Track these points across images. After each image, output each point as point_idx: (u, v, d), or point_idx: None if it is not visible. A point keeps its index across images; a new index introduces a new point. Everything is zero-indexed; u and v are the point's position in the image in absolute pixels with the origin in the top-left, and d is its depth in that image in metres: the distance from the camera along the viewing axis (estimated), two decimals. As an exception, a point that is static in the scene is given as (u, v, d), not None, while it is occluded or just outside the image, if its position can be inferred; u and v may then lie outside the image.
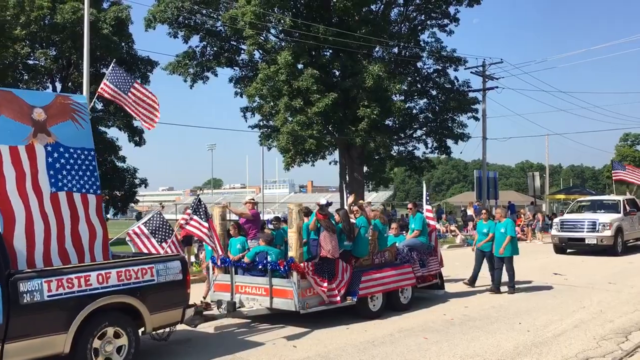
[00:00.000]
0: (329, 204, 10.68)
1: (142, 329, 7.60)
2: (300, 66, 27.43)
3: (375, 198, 52.86)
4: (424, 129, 32.18)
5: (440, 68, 31.83)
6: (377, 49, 29.62)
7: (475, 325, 9.78)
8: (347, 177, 30.73)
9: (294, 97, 26.53)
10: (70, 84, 29.36)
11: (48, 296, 6.51)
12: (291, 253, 9.56)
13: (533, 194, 37.63)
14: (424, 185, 14.63)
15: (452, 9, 31.18)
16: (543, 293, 13.02)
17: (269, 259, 9.75)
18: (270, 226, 11.10)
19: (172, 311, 7.88)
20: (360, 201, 20.45)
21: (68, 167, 7.54)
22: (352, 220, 10.61)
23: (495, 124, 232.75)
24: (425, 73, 31.99)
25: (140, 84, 13.86)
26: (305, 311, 9.50)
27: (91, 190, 7.77)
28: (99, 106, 27.80)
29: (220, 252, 9.85)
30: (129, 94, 13.61)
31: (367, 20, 28.04)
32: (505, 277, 13.20)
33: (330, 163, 33.04)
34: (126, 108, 13.54)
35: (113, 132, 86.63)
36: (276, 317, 10.10)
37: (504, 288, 13.14)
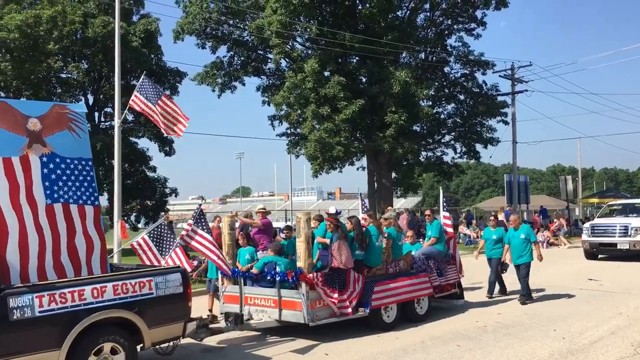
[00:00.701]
0: (338, 212, 10.37)
1: (142, 344, 7.28)
2: (327, 74, 27.26)
3: (403, 204, 52.53)
4: (453, 134, 31.81)
5: (467, 72, 31.43)
6: (403, 54, 29.44)
7: (508, 332, 9.61)
8: (375, 183, 30.62)
9: (321, 104, 26.45)
10: (101, 96, 29.90)
11: (39, 312, 6.27)
12: (300, 263, 9.21)
13: (566, 198, 36.92)
14: (441, 192, 14.25)
15: (479, 13, 30.78)
16: (577, 299, 12.63)
17: (277, 269, 9.42)
18: (282, 235, 10.82)
19: (173, 325, 7.57)
20: (389, 207, 20.33)
21: (64, 178, 7.31)
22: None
23: (525, 128, 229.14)
24: (453, 78, 31.63)
25: (167, 96, 14.13)
26: (315, 323, 9.15)
27: (89, 202, 7.52)
28: (130, 117, 28.24)
29: (226, 269, 9.47)
30: (157, 105, 13.91)
31: (393, 26, 27.81)
32: (506, 284, 13.12)
33: (358, 169, 32.92)
34: (154, 119, 13.82)
35: (144, 143, 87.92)
36: (286, 330, 9.75)
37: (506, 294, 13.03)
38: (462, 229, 30.24)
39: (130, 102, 13.80)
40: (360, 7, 28.28)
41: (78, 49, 27.81)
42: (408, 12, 29.66)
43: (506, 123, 32.65)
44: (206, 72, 29.64)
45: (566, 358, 7.98)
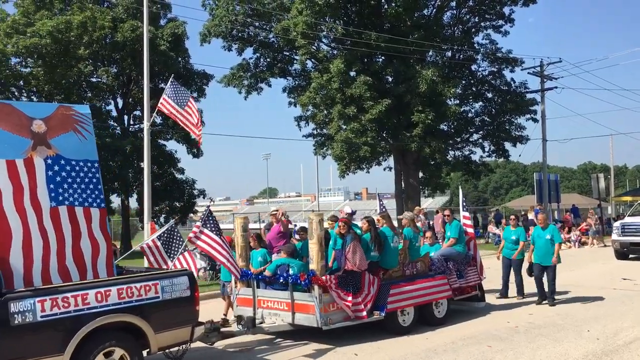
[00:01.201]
0: (353, 213, 10.07)
1: (148, 349, 7.10)
2: (352, 74, 27.08)
3: (431, 204, 52.16)
4: (481, 132, 31.40)
5: (495, 70, 30.98)
6: (430, 53, 29.18)
7: (540, 333, 9.43)
8: (402, 183, 30.48)
9: (347, 104, 26.34)
10: (130, 99, 30.36)
11: (42, 316, 6.13)
12: (312, 266, 8.94)
13: (598, 196, 36.22)
14: (460, 191, 13.73)
15: (506, 10, 30.30)
16: (611, 299, 12.29)
17: (290, 271, 9.16)
18: (297, 237, 10.58)
19: (180, 330, 7.35)
20: (417, 207, 20.22)
21: (69, 180, 7.18)
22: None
23: (555, 125, 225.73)
24: (480, 75, 31.19)
25: (192, 103, 14.26)
26: (328, 327, 8.87)
27: (94, 204, 7.38)
28: (158, 120, 28.61)
29: (235, 272, 9.17)
30: (185, 109, 14.09)
31: (419, 25, 27.53)
32: (519, 285, 12.68)
33: (385, 169, 32.74)
34: (180, 123, 14.00)
35: (172, 145, 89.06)
36: (300, 334, 9.52)
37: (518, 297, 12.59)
38: (491, 228, 29.89)
39: (159, 105, 13.97)
40: (385, 6, 28.10)
41: (107, 54, 28.25)
42: (434, 10, 29.40)
43: (535, 121, 32.15)
44: (232, 74, 29.81)
45: (600, 359, 7.85)
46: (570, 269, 17.96)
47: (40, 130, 7.02)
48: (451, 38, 29.29)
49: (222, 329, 8.74)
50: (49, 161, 7.05)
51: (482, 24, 30.65)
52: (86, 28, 26.20)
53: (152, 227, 15.10)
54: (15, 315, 6.00)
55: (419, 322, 9.95)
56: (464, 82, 30.19)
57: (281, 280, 9.28)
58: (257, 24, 29.10)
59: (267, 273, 9.50)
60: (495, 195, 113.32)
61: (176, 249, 9.10)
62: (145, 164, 15.81)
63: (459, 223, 11.52)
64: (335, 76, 25.78)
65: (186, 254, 9.08)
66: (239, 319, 9.47)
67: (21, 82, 27.74)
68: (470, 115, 31.22)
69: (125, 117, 30.67)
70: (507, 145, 31.22)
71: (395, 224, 11.69)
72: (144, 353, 7.10)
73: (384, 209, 12.15)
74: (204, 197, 33.81)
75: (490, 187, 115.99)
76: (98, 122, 27.81)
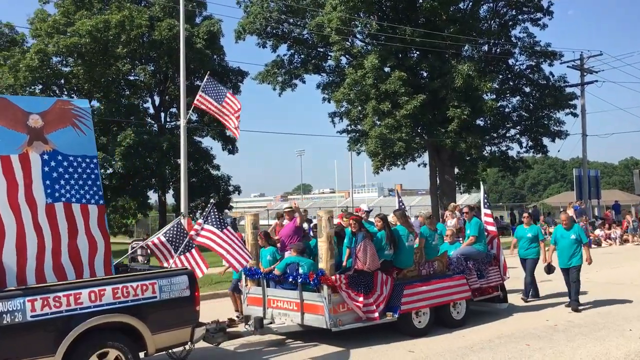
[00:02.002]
0: (370, 210, 9.68)
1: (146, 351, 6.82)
2: (387, 69, 26.69)
3: (467, 200, 51.57)
4: (518, 127, 30.75)
5: (533, 64, 30.24)
6: (466, 47, 28.70)
7: (581, 331, 9.14)
8: (437, 179, 30.20)
9: (382, 100, 26.02)
10: (167, 97, 30.85)
11: (32, 316, 5.88)
12: (321, 265, 8.53)
13: (640, 192, 35.37)
14: (482, 187, 13.05)
15: (545, 2, 29.30)
16: (654, 298, 11.79)
17: (300, 270, 8.77)
18: (312, 234, 10.24)
19: (179, 331, 7.05)
20: (452, 203, 20.00)
21: (67, 176, 6.96)
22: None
23: (596, 120, 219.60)
24: (518, 70, 30.49)
25: (232, 94, 14.44)
26: (338, 329, 8.45)
27: (92, 201, 7.16)
28: (194, 117, 29.01)
29: (236, 266, 8.76)
30: (223, 103, 14.25)
31: (455, 18, 26.98)
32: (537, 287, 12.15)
33: (419, 165, 32.35)
34: (219, 118, 14.16)
35: (207, 142, 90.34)
36: (310, 335, 9.11)
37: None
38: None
39: (195, 101, 14.14)
40: (420, 0, 27.96)
41: (145, 52, 28.67)
42: (470, 3, 28.86)
43: (575, 115, 31.35)
44: (267, 70, 29.89)
45: (643, 359, 7.63)
46: (612, 266, 17.51)
47: (36, 125, 6.82)
48: (488, 32, 28.79)
49: (229, 330, 8.41)
50: (46, 157, 6.85)
51: (520, 17, 30.01)
52: (124, 27, 26.64)
53: (188, 223, 15.32)
54: (4, 315, 5.77)
55: (436, 323, 9.47)
56: (500, 76, 29.64)
57: (290, 280, 8.93)
58: (291, 20, 29.12)
59: (276, 272, 9.16)
60: (533, 192, 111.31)
61: (184, 247, 8.75)
62: (182, 161, 16.01)
63: (479, 221, 10.99)
64: (370, 72, 25.62)
65: (194, 251, 8.78)
66: (246, 319, 9.13)
67: (62, 81, 28.46)
68: (507, 110, 30.64)
69: (162, 115, 31.13)
70: (546, 140, 30.55)
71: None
72: (142, 354, 6.85)
73: (402, 206, 11.83)
74: (239, 193, 34.14)
75: (528, 184, 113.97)
76: (136, 119, 28.36)
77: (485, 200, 11.93)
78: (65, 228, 6.89)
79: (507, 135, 30.82)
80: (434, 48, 26.42)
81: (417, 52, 28.00)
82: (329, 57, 29.86)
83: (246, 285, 9.83)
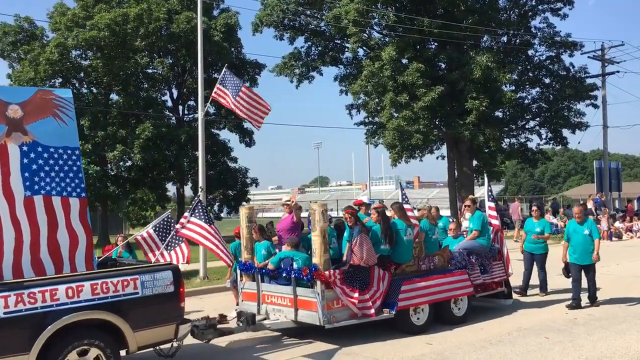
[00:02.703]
0: (371, 203, 9.43)
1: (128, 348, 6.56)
2: (404, 61, 26.27)
3: (485, 193, 51.23)
4: (537, 119, 30.29)
5: (553, 54, 29.72)
6: (484, 38, 28.29)
7: (601, 325, 9.04)
8: (455, 171, 30.02)
9: (399, 92, 25.65)
10: (185, 89, 31.00)
11: (4, 313, 5.70)
12: (315, 260, 8.21)
13: (662, 185, 34.81)
14: (486, 179, 12.63)
15: (565, -8, 29.56)
16: (677, 292, 11.55)
17: (294, 265, 8.45)
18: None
19: (162, 328, 6.80)
20: (471, 196, 19.82)
21: (47, 168, 6.71)
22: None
23: (617, 111, 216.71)
24: (538, 60, 29.96)
25: (247, 87, 14.46)
26: (332, 325, 8.16)
27: (74, 193, 6.88)
28: (212, 110, 29.12)
29: (226, 260, 8.57)
30: (238, 97, 14.29)
31: (473, 9, 26.47)
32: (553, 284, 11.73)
33: (437, 158, 32.18)
34: (236, 110, 14.21)
35: (225, 134, 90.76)
36: (307, 332, 8.83)
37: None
38: (548, 217, 29.13)
39: (213, 94, 14.16)
40: (439, -9, 27.67)
41: (163, 45, 28.73)
42: (489, -6, 28.72)
43: (596, 107, 30.86)
44: (284, 63, 29.77)
45: (665, 353, 7.53)
46: (632, 259, 17.28)
47: (16, 116, 6.56)
48: (507, 22, 28.39)
49: (219, 326, 8.12)
50: (25, 148, 6.61)
51: (540, 7, 29.52)
52: (142, 20, 26.71)
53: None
54: None
55: (435, 320, 9.15)
56: (520, 67, 29.25)
57: (284, 275, 8.63)
58: (308, 12, 28.97)
59: (270, 266, 8.85)
60: (553, 184, 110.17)
61: (173, 241, 8.58)
62: (200, 153, 16.06)
63: (482, 214, 10.55)
64: (387, 64, 25.43)
65: (183, 245, 8.52)
66: (238, 315, 8.77)
67: (81, 74, 28.73)
68: (526, 101, 30.24)
69: (180, 107, 31.26)
70: (566, 132, 30.09)
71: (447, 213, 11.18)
72: (124, 352, 6.61)
73: (405, 199, 11.81)
74: (256, 186, 34.20)
75: (547, 176, 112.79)
76: (154, 112, 28.54)
77: (490, 193, 11.54)
78: (45, 222, 6.64)
79: (527, 127, 30.46)
80: (452, 39, 26.11)
81: (435, 44, 27.70)
82: (346, 49, 29.71)
83: (241, 280, 9.55)
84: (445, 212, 19.73)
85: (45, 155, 6.76)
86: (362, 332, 8.75)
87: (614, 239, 24.49)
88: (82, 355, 6.17)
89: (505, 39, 28.95)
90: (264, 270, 9.04)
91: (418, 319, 8.98)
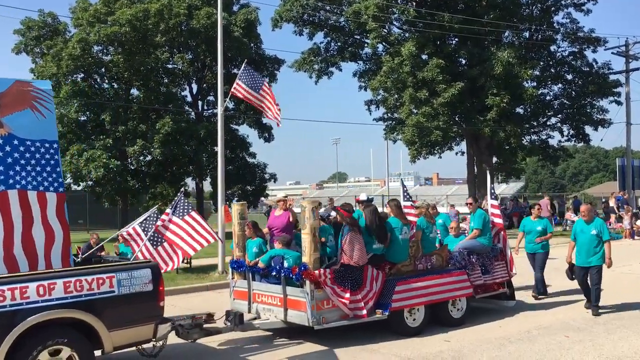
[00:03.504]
0: (369, 199, 9.17)
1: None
2: (424, 56, 25.95)
3: (505, 190, 50.68)
4: (559, 116, 29.82)
5: (576, 50, 29.22)
6: (506, 34, 27.91)
7: (622, 324, 8.91)
8: (475, 168, 29.84)
9: (419, 88, 25.37)
10: (204, 85, 31.16)
11: None
12: (305, 258, 7.93)
13: (687, 183, 34.23)
14: (488, 176, 12.53)
15: (589, -14, 29.13)
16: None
17: (285, 264, 8.17)
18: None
19: (140, 327, 6.59)
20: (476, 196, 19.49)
21: (23, 161, 6.50)
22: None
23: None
24: (560, 56, 29.46)
25: (267, 85, 14.53)
26: (321, 327, 7.86)
27: (51, 188, 6.67)
28: (231, 105, 29.24)
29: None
30: (260, 92, 14.36)
31: (495, 4, 25.97)
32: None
33: (457, 154, 31.98)
34: (256, 106, 14.29)
35: (244, 130, 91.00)
36: (299, 332, 8.55)
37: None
38: (569, 215, 28.79)
39: (232, 89, 14.20)
40: (460, -15, 27.44)
41: (183, 40, 28.93)
42: (511, -12, 28.39)
43: (619, 103, 30.26)
44: (303, 58, 29.66)
45: (689, 354, 7.41)
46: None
47: None
48: (529, 17, 27.99)
49: (206, 325, 7.82)
50: (0, 141, 6.41)
51: (563, 2, 29.01)
52: (163, 16, 26.84)
53: (225, 210, 15.52)
54: None
55: (432, 322, 8.84)
56: (542, 63, 28.80)
57: (274, 273, 8.38)
58: (327, 7, 28.93)
59: (260, 265, 8.61)
60: (574, 182, 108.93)
61: (159, 238, 8.20)
62: (219, 148, 16.12)
63: (484, 212, 10.16)
64: (407, 59, 25.23)
65: (166, 244, 8.18)
66: (227, 314, 8.43)
67: (103, 69, 29.04)
68: (548, 98, 29.87)
69: (200, 103, 31.42)
70: (588, 129, 29.63)
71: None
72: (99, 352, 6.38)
73: (406, 196, 11.11)
74: (274, 181, 34.30)
75: (569, 173, 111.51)
76: (174, 107, 28.75)
77: (493, 191, 11.21)
78: (20, 217, 6.41)
79: (548, 123, 30.02)
80: (473, 34, 25.85)
81: (456, 39, 27.40)
82: (365, 45, 29.56)
83: (232, 278, 9.33)
84: (464, 210, 19.54)
85: (22, 148, 6.56)
86: (379, 330, 8.57)
87: (636, 237, 24.14)
88: (55, 355, 5.97)
89: (527, 34, 28.57)
90: (254, 269, 8.80)
91: (413, 320, 8.66)
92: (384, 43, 27.78)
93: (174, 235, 7.90)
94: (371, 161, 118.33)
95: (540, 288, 11.23)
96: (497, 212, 10.63)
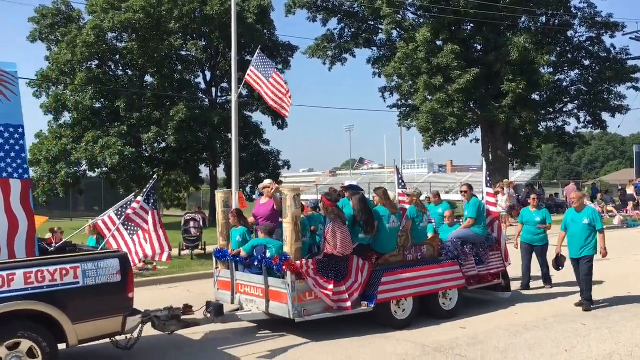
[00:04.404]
0: (355, 186, 8.88)
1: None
2: (439, 42, 25.71)
3: (520, 177, 50.31)
4: (576, 102, 29.50)
5: (594, 36, 28.83)
6: (522, 19, 27.58)
7: (640, 312, 8.78)
8: (490, 155, 29.67)
9: (434, 74, 25.21)
10: (218, 72, 31.11)
11: None
12: (286, 248, 7.65)
13: None
14: (484, 164, 11.65)
15: (608, -30, 28.65)
16: None
17: (267, 254, 7.91)
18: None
19: (106, 320, 6.33)
20: (506, 180, 19.42)
21: None
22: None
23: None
24: (577, 42, 29.00)
25: (277, 73, 14.40)
26: (302, 319, 7.58)
27: (15, 175, 6.41)
28: (245, 92, 29.17)
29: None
30: (269, 81, 14.27)
31: None
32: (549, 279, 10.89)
33: (471, 141, 31.61)
34: (264, 95, 14.22)
35: (257, 117, 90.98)
36: (282, 324, 8.23)
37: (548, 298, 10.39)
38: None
39: (246, 77, 14.18)
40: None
41: (197, 27, 28.86)
42: (528, -27, 27.99)
43: (637, 89, 29.83)
44: (317, 45, 29.49)
45: None
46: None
47: None
48: (546, 3, 27.53)
49: (184, 317, 7.57)
50: None
51: (580, -14, 28.90)
52: (176, 2, 26.67)
53: (240, 197, 15.55)
54: None
55: (422, 314, 8.50)
56: (558, 49, 28.40)
57: (256, 263, 8.11)
58: (342, -7, 28.87)
59: (242, 254, 8.34)
60: (590, 169, 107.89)
61: (135, 226, 7.89)
62: (233, 135, 16.05)
63: (478, 201, 9.74)
64: (421, 45, 25.02)
65: (163, 239, 7.89)
66: (207, 305, 8.14)
67: (117, 56, 29.10)
68: (565, 84, 29.50)
69: (213, 90, 31.38)
70: (605, 115, 29.31)
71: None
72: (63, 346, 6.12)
73: (401, 184, 11.10)
74: (288, 168, 34.23)
75: (585, 160, 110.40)
76: (188, 94, 28.77)
77: (488, 178, 10.62)
78: None
79: (564, 110, 29.71)
80: (489, 20, 25.56)
81: (471, 25, 27.09)
82: (379, 31, 29.34)
83: (216, 268, 9.07)
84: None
85: None
86: (335, 326, 8.27)
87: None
88: (14, 348, 5.73)
89: (543, 19, 28.18)
90: (237, 258, 8.53)
91: (403, 311, 8.34)
92: (398, 29, 27.55)
93: (146, 224, 7.65)
94: (385, 148, 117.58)
95: (548, 279, 11.01)
96: (493, 200, 10.27)
